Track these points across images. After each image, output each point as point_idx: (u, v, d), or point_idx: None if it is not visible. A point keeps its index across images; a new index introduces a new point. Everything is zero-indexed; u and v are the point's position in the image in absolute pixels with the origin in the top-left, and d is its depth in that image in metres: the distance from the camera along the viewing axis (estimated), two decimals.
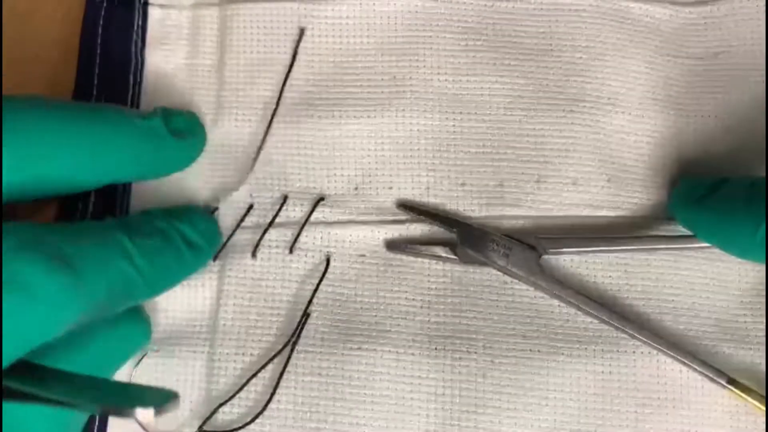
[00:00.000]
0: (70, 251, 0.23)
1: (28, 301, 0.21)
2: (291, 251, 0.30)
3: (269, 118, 0.31)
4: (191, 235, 0.28)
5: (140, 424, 0.29)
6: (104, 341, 0.27)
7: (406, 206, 0.30)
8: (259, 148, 0.31)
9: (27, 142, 0.25)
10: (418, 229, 0.30)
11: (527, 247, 0.29)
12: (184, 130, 0.30)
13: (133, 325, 0.29)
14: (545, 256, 0.29)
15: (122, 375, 0.29)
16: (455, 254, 0.29)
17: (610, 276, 0.30)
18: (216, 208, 0.31)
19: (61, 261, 0.23)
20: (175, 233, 0.28)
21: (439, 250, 0.30)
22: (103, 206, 0.31)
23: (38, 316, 0.22)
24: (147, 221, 0.28)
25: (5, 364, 0.21)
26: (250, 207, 0.31)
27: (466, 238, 0.29)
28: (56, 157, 0.26)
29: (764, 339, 0.29)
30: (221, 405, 0.29)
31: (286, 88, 0.32)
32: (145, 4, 0.33)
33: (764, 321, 0.29)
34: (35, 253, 0.22)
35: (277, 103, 0.31)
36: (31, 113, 0.26)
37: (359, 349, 0.29)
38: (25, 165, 0.25)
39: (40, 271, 0.22)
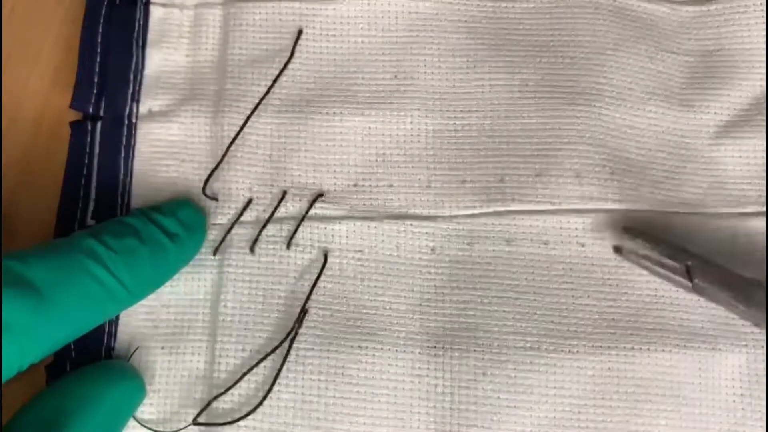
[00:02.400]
0: (32, 274, 0.23)
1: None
2: (288, 247, 0.30)
3: (271, 116, 0.31)
4: (171, 226, 0.28)
5: (139, 422, 0.29)
6: (110, 403, 0.26)
7: (631, 230, 0.29)
8: (232, 140, 0.31)
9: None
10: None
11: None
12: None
13: (129, 382, 0.28)
14: None
15: None
16: (690, 281, 0.28)
17: None
18: (215, 199, 0.31)
19: (23, 286, 0.23)
20: (153, 227, 0.27)
21: (674, 274, 0.28)
22: (103, 208, 0.31)
23: (10, 345, 0.22)
24: (119, 221, 0.27)
25: None
26: (249, 201, 0.31)
27: (703, 271, 0.27)
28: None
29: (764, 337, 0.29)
30: (214, 399, 0.29)
31: (287, 85, 0.32)
32: (147, 3, 0.33)
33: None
34: None
35: (261, 99, 0.31)
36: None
37: (358, 347, 0.29)
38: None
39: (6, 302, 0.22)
